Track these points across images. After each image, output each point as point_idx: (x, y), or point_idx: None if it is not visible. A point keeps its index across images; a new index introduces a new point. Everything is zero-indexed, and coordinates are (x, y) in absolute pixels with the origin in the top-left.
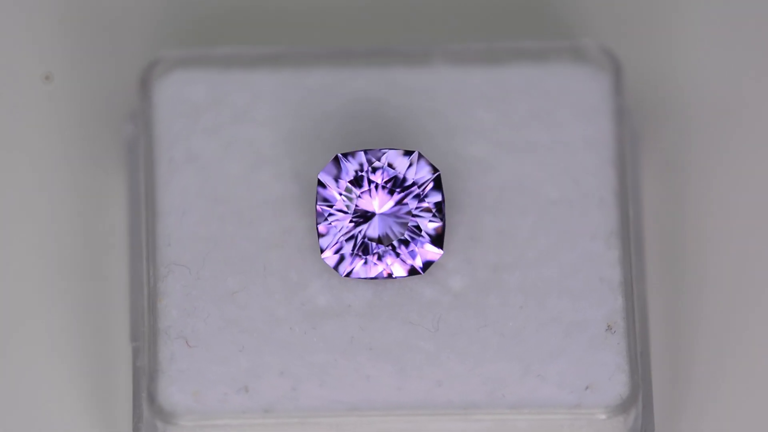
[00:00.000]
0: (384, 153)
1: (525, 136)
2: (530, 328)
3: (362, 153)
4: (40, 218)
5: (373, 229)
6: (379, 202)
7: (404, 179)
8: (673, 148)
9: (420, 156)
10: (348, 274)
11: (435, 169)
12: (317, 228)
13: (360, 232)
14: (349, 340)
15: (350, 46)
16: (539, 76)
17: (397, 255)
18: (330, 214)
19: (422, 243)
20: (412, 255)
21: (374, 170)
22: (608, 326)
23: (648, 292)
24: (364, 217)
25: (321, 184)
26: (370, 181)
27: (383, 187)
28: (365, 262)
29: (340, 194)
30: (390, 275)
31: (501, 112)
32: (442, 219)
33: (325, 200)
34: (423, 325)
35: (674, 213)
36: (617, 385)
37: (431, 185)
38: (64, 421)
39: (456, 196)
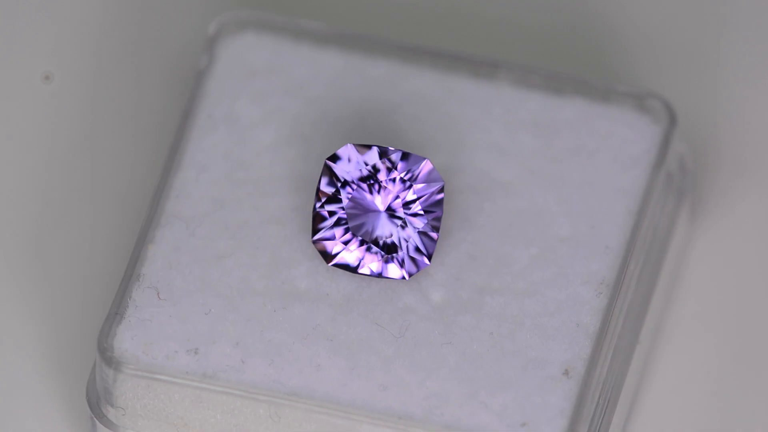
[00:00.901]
0: (397, 153)
1: (559, 169)
2: (491, 355)
3: (376, 148)
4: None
5: (369, 226)
6: (381, 201)
7: (411, 185)
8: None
9: (430, 164)
10: (334, 264)
11: (441, 182)
12: (312, 210)
13: (356, 225)
14: (313, 327)
15: (420, 44)
16: (592, 115)
17: (388, 255)
18: (329, 201)
19: (413, 249)
20: (401, 259)
21: (388, 170)
22: (566, 370)
23: (644, 353)
24: (363, 211)
25: (327, 169)
26: (376, 179)
27: (385, 187)
28: (354, 257)
29: (344, 184)
30: (378, 274)
31: (544, 140)
32: (437, 231)
33: (330, 185)
34: (390, 329)
35: (716, 278)
36: (554, 429)
37: (436, 196)
38: (21, 361)
39: (469, 213)
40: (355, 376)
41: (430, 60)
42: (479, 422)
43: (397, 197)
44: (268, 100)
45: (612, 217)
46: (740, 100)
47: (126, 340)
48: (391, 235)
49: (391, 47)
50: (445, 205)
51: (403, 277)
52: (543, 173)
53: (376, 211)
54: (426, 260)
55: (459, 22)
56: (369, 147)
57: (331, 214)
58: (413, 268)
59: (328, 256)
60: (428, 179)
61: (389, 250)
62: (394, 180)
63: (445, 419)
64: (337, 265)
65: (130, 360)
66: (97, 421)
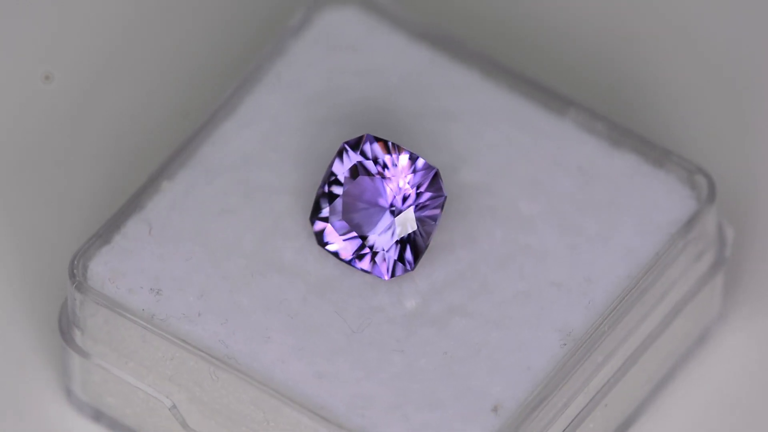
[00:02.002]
0: (406, 155)
1: (577, 216)
2: (434, 374)
3: (389, 144)
4: None
5: (366, 219)
6: (384, 198)
7: (417, 191)
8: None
9: (438, 175)
10: (326, 249)
11: (444, 196)
12: (317, 190)
13: (354, 216)
14: (280, 301)
15: (508, 63)
16: (637, 174)
17: (376, 252)
18: (335, 183)
19: (401, 253)
20: (388, 259)
21: (397, 168)
22: (495, 407)
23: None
24: (365, 204)
25: (343, 152)
26: (384, 175)
27: (391, 186)
28: (344, 246)
29: (354, 173)
30: (362, 269)
31: (575, 183)
32: (427, 241)
33: (340, 168)
34: (350, 322)
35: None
36: None
37: (434, 210)
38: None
39: (479, 235)
40: (297, 357)
41: (507, 80)
42: None
43: (402, 198)
44: (338, 78)
45: (610, 275)
46: None
47: (100, 264)
48: (386, 234)
49: (477, 58)
50: (459, 222)
51: (384, 276)
52: (565, 216)
53: (377, 207)
54: (410, 266)
55: (543, 52)
56: (386, 142)
57: (334, 198)
58: (396, 271)
59: (320, 240)
60: (433, 190)
61: (380, 246)
62: (400, 180)
63: (363, 422)
64: (328, 251)
65: (95, 285)
66: (65, 344)
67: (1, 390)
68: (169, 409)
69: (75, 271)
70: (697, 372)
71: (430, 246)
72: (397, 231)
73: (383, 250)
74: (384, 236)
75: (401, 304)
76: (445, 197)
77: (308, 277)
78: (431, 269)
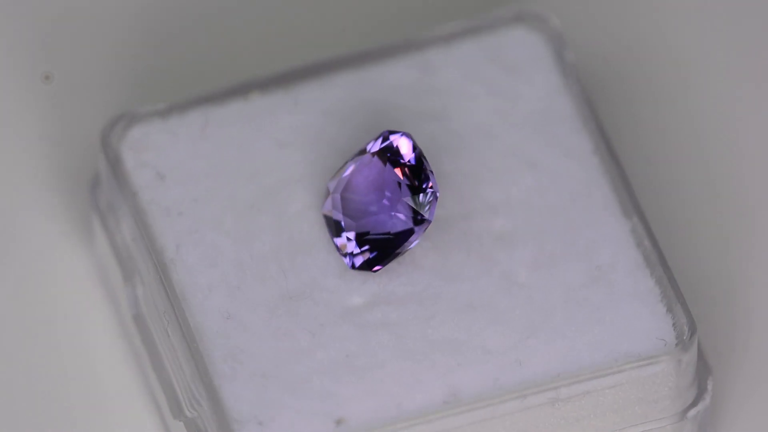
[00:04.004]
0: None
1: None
2: (328, 365)
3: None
4: None
5: (361, 213)
6: (386, 198)
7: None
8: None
9: (436, 199)
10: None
11: (430, 219)
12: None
13: (353, 209)
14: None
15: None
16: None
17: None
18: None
19: (372, 254)
20: (364, 254)
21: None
22: (339, 420)
23: None
24: (366, 198)
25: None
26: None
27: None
28: (344, 242)
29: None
30: (336, 246)
31: None
32: (399, 250)
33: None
34: (290, 285)
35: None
36: None
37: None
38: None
39: (451, 266)
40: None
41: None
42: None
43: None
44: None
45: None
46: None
47: (138, 138)
48: (373, 230)
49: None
50: (459, 252)
51: (347, 263)
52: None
53: (377, 204)
54: (373, 269)
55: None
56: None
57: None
58: (358, 264)
59: (331, 227)
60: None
61: (362, 241)
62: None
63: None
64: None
65: (125, 160)
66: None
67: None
68: None
69: (112, 145)
70: None
71: (402, 259)
72: (379, 227)
73: (365, 244)
74: (371, 230)
75: (345, 295)
76: (429, 222)
77: (305, 247)
78: (390, 279)
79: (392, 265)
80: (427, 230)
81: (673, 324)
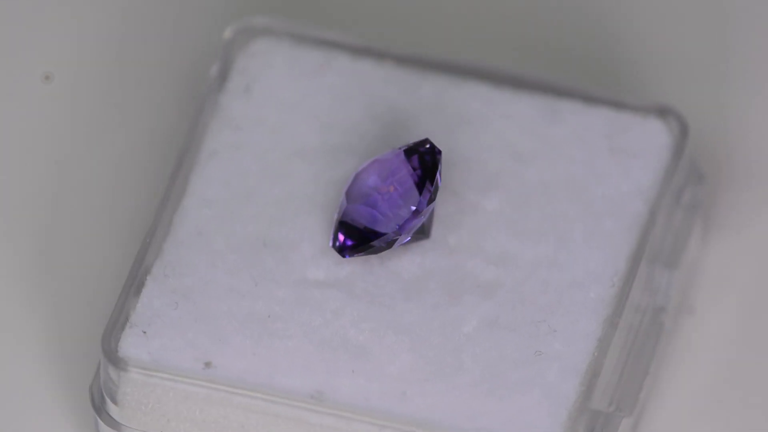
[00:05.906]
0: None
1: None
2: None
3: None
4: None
5: (359, 211)
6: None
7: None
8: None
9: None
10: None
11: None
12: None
13: (352, 207)
14: (268, 217)
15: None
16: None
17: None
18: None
19: (353, 249)
20: (348, 243)
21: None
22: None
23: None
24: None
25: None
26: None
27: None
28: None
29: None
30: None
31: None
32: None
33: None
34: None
35: None
36: None
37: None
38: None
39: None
40: (201, 240)
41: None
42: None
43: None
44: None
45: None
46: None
47: (260, 49)
48: (355, 218)
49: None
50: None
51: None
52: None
53: (376, 192)
54: (344, 256)
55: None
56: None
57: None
58: (335, 247)
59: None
60: (420, 230)
61: (351, 232)
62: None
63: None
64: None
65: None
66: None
67: None
68: None
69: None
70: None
71: (388, 261)
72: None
73: (351, 238)
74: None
75: (312, 265)
76: (427, 238)
77: (300, 244)
78: (363, 273)
79: (375, 260)
80: (420, 243)
81: None
